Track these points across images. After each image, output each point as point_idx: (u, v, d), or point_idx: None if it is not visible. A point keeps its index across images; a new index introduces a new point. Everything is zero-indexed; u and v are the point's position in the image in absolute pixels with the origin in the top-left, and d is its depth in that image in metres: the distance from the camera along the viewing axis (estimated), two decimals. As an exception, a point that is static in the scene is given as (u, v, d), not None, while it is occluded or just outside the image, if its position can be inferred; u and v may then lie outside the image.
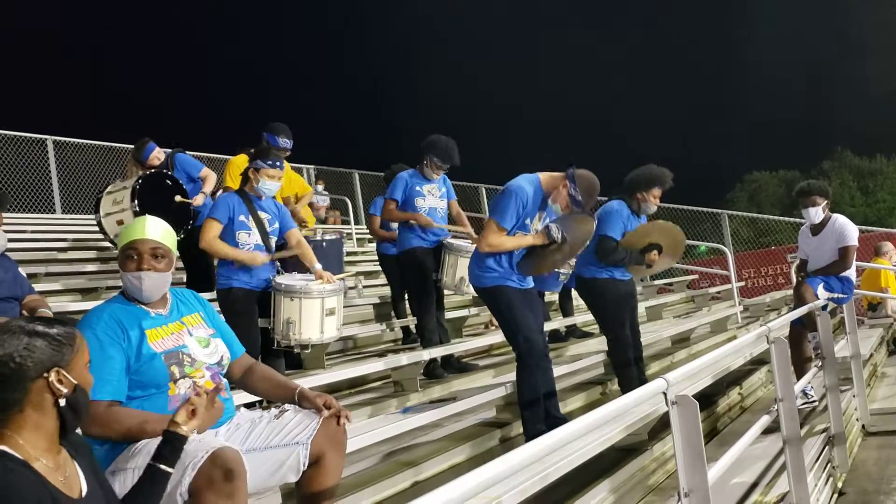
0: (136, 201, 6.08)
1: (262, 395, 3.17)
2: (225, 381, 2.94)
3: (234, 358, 3.05)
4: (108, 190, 6.48)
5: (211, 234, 4.97)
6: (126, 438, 2.58)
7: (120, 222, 6.37)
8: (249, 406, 4.61)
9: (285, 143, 6.51)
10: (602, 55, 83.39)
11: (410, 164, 6.49)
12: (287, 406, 2.89)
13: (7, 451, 1.98)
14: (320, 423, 2.77)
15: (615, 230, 5.48)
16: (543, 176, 4.67)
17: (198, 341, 2.86)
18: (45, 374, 2.07)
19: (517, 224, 4.59)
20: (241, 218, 5.02)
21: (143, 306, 2.83)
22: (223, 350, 2.94)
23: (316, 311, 5.03)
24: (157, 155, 6.89)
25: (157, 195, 6.25)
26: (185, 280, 6.91)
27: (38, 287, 6.49)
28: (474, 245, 5.42)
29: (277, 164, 5.16)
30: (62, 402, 2.09)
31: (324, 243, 6.39)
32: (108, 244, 9.64)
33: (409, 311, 7.49)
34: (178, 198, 6.36)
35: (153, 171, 6.49)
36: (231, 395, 2.97)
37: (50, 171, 12.45)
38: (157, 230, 2.87)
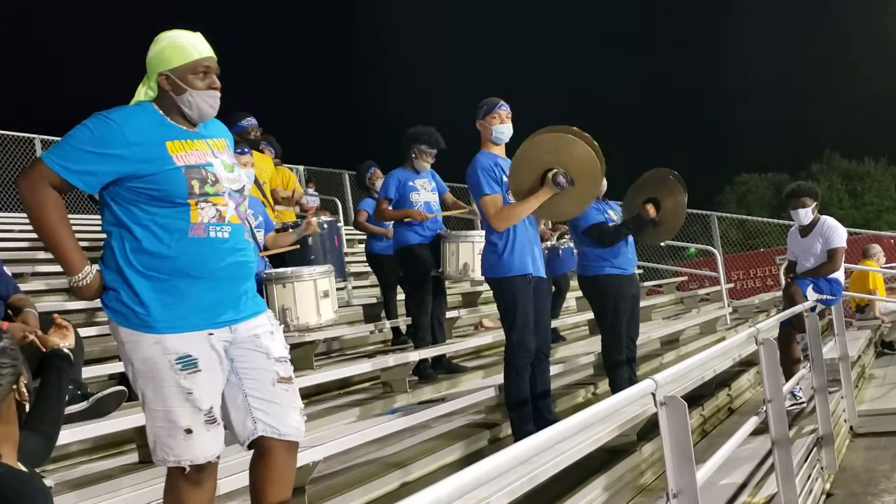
0: None
1: None
2: (248, 220, 2.85)
3: None
4: None
5: None
6: (33, 224, 2.53)
7: None
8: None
9: (249, 121, 6.45)
10: (592, 56, 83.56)
11: (379, 163, 6.50)
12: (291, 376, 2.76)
13: (9, 465, 1.95)
14: (286, 437, 2.66)
15: (594, 217, 5.46)
16: (484, 145, 4.74)
17: (222, 164, 2.68)
18: (15, 385, 2.02)
19: (501, 186, 4.56)
20: None
21: (167, 117, 2.65)
22: (246, 181, 2.79)
23: (310, 294, 5.04)
24: None
25: None
26: None
27: (24, 287, 6.44)
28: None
29: (246, 151, 5.21)
30: (28, 406, 2.07)
31: (325, 225, 6.37)
32: (94, 244, 9.62)
33: (400, 311, 7.47)
34: None
35: None
36: (253, 244, 2.85)
37: (38, 171, 12.37)
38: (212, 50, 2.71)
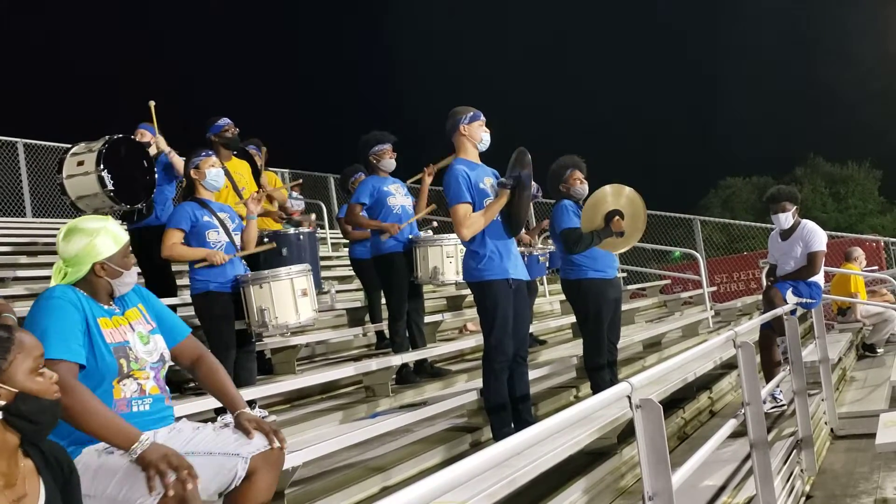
0: (101, 166, 5.73)
1: (207, 391, 3.15)
2: (164, 384, 2.92)
3: (178, 340, 3.03)
4: (72, 151, 6.09)
5: (170, 243, 5.02)
6: (76, 421, 2.50)
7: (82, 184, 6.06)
8: (220, 411, 4.60)
9: (225, 120, 6.45)
10: (581, 58, 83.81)
11: (365, 166, 6.54)
12: (229, 419, 2.85)
13: None
14: (263, 449, 2.71)
15: (570, 221, 5.56)
16: (463, 151, 4.85)
17: (139, 337, 2.85)
18: None
19: (475, 196, 4.65)
20: (206, 218, 5.05)
21: (92, 297, 2.84)
22: (162, 346, 2.92)
23: (287, 293, 5.07)
24: (143, 132, 6.73)
25: (122, 161, 5.89)
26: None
27: (5, 291, 6.42)
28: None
29: (209, 153, 5.28)
30: None
31: (300, 237, 6.35)
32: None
33: (384, 314, 7.47)
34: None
35: (121, 136, 6.07)
36: (171, 403, 2.95)
37: (20, 175, 12.34)
38: None
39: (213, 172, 5.14)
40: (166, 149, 6.21)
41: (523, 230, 7.83)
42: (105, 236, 2.85)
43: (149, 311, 3.00)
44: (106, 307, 2.86)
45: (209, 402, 4.24)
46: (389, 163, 6.24)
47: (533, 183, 5.00)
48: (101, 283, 2.85)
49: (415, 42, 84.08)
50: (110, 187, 5.64)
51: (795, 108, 67.54)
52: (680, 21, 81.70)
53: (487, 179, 4.76)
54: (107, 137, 5.90)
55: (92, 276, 2.83)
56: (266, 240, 5.91)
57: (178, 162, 6.18)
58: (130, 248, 2.95)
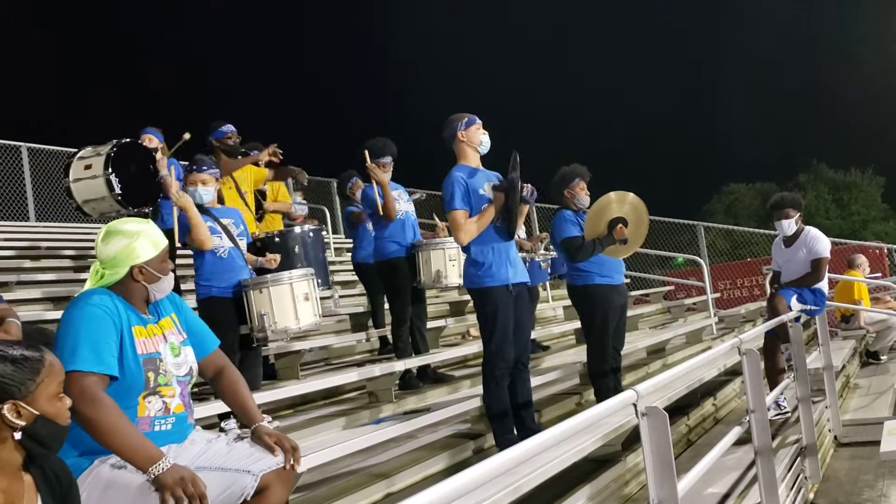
0: (109, 169, 5.78)
1: (225, 404, 3.13)
2: (190, 400, 2.87)
3: (207, 352, 3.00)
4: (79, 155, 6.08)
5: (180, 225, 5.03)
6: (100, 436, 2.46)
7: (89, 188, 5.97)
8: (223, 417, 4.60)
9: (229, 127, 6.45)
10: (576, 61, 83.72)
11: (361, 171, 6.54)
12: (245, 433, 2.82)
13: None
14: (275, 466, 2.65)
15: (570, 230, 5.57)
16: (463, 157, 4.85)
17: (171, 349, 2.80)
18: None
19: (472, 203, 4.66)
20: (209, 224, 5.06)
21: (128, 302, 2.79)
22: (192, 360, 2.88)
23: (287, 298, 5.04)
24: (150, 137, 6.74)
25: (130, 164, 5.96)
26: None
27: (9, 296, 6.41)
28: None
29: (203, 168, 5.22)
30: (17, 435, 2.01)
31: (311, 233, 6.35)
32: (80, 253, 9.58)
33: (387, 319, 7.47)
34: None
35: (128, 140, 6.14)
36: (193, 422, 2.91)
37: (24, 179, 12.35)
38: None
39: (191, 190, 5.13)
40: (163, 171, 6.17)
41: (525, 237, 7.86)
42: (144, 239, 2.81)
43: (181, 320, 2.96)
44: (142, 315, 2.80)
45: (213, 408, 4.24)
46: (384, 178, 6.22)
47: (528, 186, 4.95)
48: (138, 287, 2.80)
49: (415, 42, 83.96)
50: (118, 191, 5.65)
51: (796, 109, 67.50)
52: (680, 21, 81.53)
53: (488, 185, 4.76)
54: (114, 141, 5.92)
55: (129, 280, 2.78)
56: (277, 239, 5.91)
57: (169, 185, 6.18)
58: (168, 253, 2.90)
